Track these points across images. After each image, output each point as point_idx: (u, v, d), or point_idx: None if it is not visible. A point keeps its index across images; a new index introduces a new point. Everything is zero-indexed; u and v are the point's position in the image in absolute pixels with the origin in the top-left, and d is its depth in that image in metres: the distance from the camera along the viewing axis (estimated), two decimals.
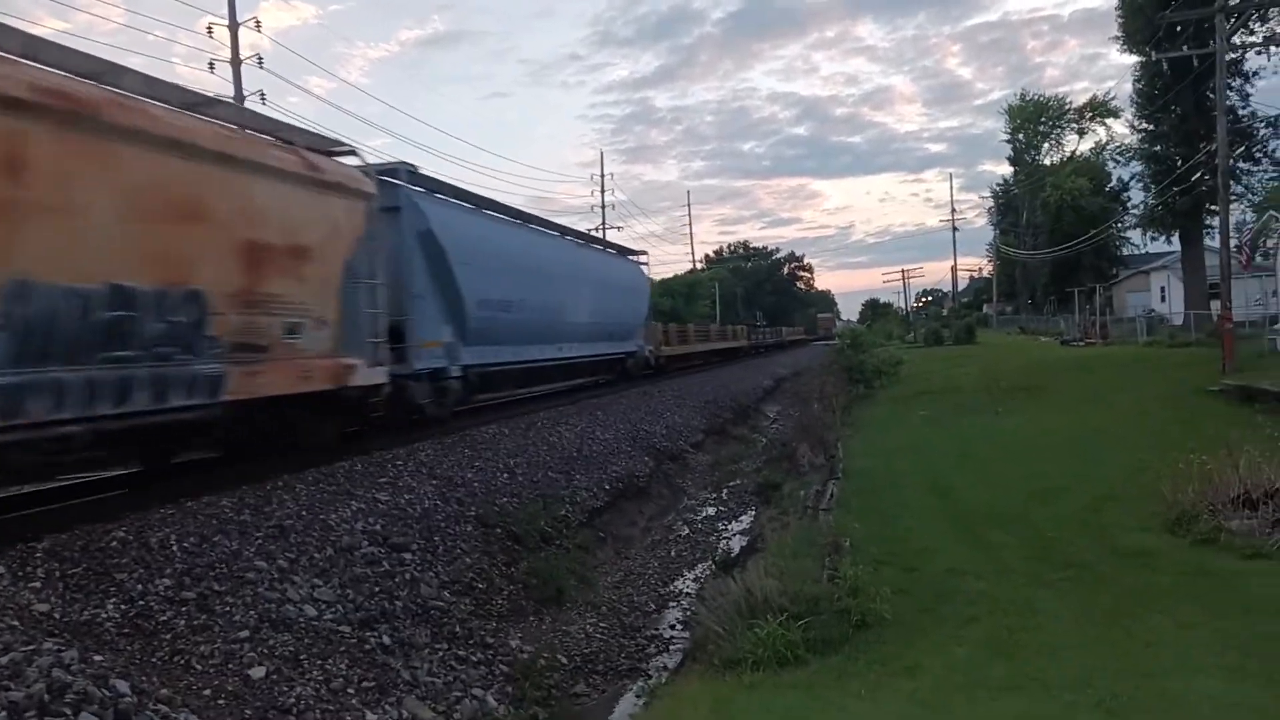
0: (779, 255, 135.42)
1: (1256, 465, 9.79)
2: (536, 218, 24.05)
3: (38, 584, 7.18)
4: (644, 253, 33.71)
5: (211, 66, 30.68)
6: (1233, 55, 32.64)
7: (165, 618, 7.22)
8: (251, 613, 7.70)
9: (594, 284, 25.17)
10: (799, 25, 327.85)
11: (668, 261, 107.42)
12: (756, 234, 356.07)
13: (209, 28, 30.76)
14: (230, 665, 6.95)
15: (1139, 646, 6.59)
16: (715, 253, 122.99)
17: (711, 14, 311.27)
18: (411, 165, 16.17)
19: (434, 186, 17.53)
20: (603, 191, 66.36)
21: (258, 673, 6.97)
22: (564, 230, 25.88)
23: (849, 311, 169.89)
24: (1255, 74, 37.69)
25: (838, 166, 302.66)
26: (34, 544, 7.89)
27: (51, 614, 6.77)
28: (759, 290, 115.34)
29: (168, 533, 8.63)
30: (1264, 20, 35.22)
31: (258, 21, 33.29)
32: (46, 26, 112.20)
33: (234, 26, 30.64)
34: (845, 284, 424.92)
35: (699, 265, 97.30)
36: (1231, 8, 27.88)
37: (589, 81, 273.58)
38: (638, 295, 30.78)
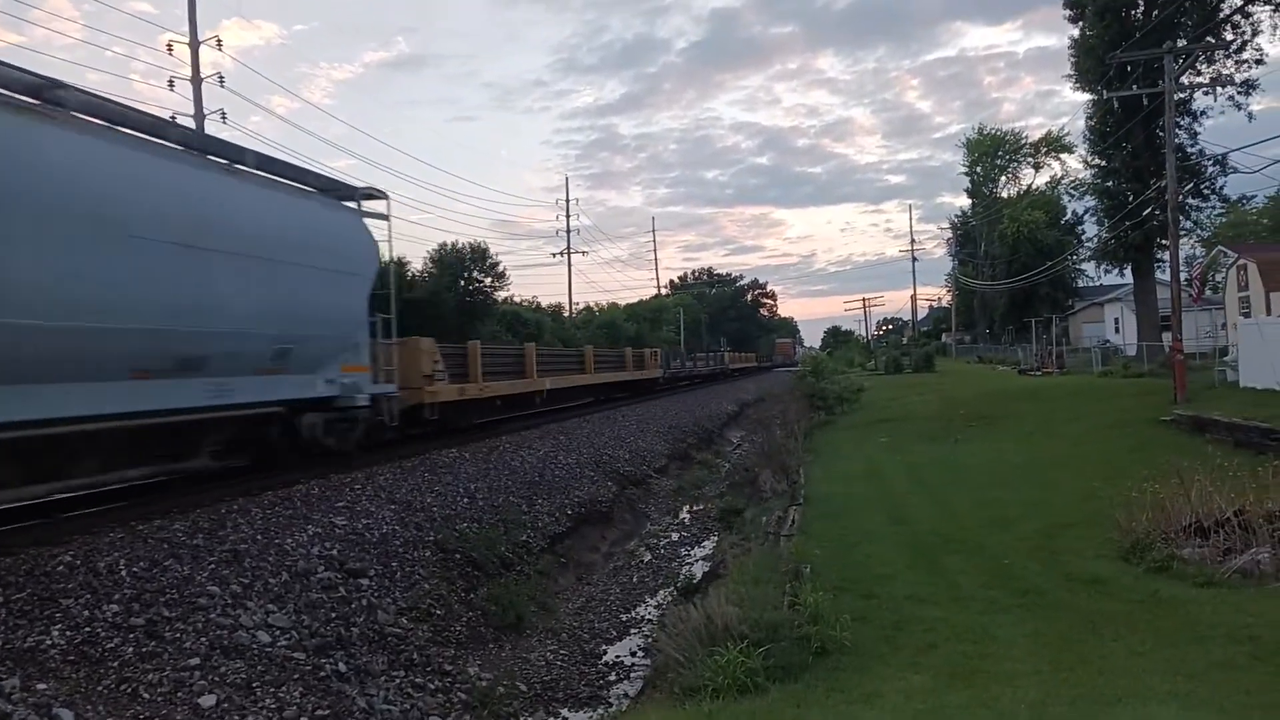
0: (742, 282, 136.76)
1: (1208, 495, 9.98)
2: None
3: None
4: (378, 194, 16.35)
5: (171, 84, 30.47)
6: (1181, 95, 33.63)
7: (112, 645, 7.04)
8: (203, 639, 7.54)
9: (116, 232, 9.85)
10: (761, 56, 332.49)
11: (632, 287, 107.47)
12: (720, 261, 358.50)
13: (169, 45, 30.58)
14: (180, 694, 6.79)
15: (1093, 673, 6.66)
16: (680, 279, 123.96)
17: (675, 43, 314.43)
18: None
19: None
20: (568, 216, 66.51)
21: (208, 701, 6.81)
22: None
23: (811, 338, 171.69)
24: (1203, 113, 38.95)
25: (800, 196, 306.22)
26: None
27: None
28: (723, 316, 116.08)
29: (117, 557, 8.44)
30: (1210, 62, 36.44)
31: (219, 40, 32.94)
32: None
33: (195, 44, 30.44)
34: (807, 311, 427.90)
35: (664, 291, 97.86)
36: (1180, 49, 28.84)
37: (553, 107, 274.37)
38: (343, 277, 14.17)
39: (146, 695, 6.63)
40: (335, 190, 15.38)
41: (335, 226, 14.61)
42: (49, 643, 6.81)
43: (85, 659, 6.78)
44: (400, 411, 16.28)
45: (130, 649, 7.07)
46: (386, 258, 17.29)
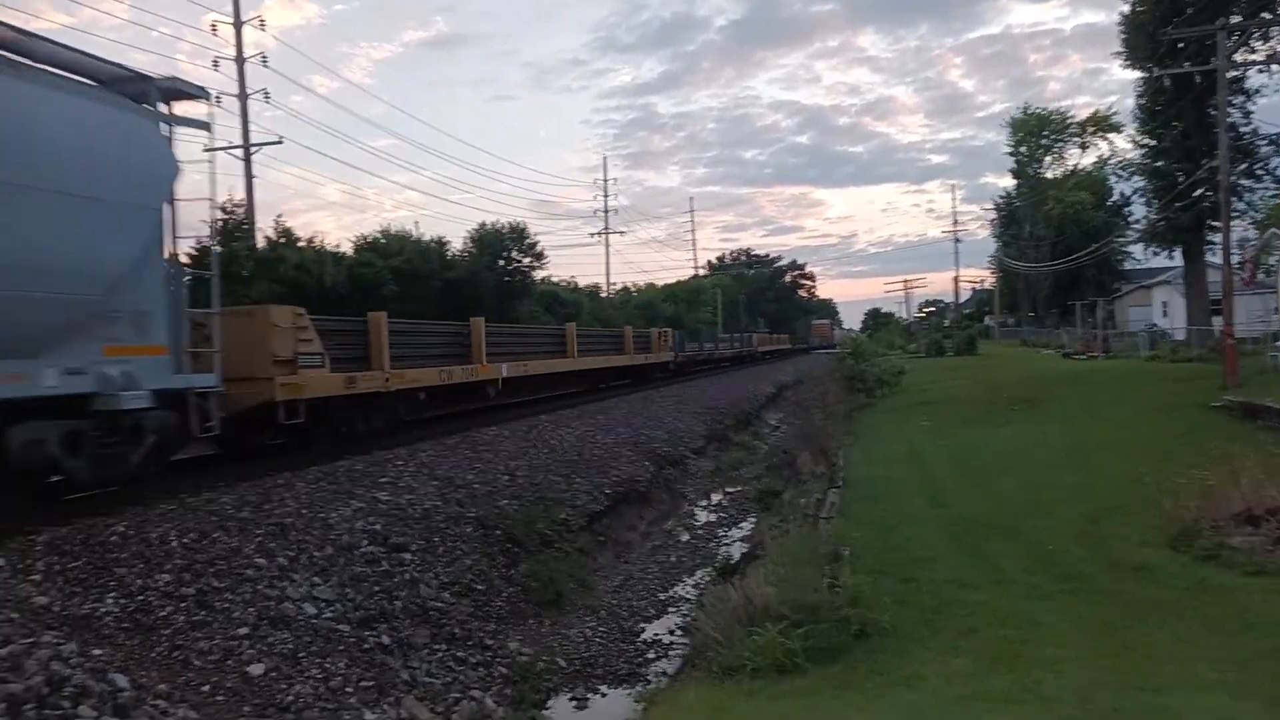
0: (781, 263, 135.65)
1: (1259, 482, 9.77)
2: None
3: (37, 577, 7.19)
4: (192, 91, 10.82)
5: (216, 64, 30.80)
6: (1234, 73, 32.66)
7: (164, 613, 7.22)
8: (251, 610, 7.70)
9: None
10: (801, 34, 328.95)
11: (670, 267, 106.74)
12: (759, 241, 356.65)
13: (213, 25, 30.91)
14: (229, 662, 6.95)
15: (1139, 661, 6.57)
16: (718, 259, 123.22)
17: (715, 21, 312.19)
18: None
19: None
20: (605, 196, 66.37)
21: (256, 670, 6.97)
22: None
23: (851, 320, 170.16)
24: (1257, 91, 37.64)
25: (840, 176, 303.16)
26: (33, 537, 7.90)
27: (51, 607, 6.77)
28: (761, 297, 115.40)
29: (167, 528, 8.63)
30: (1265, 39, 35.31)
31: (262, 20, 33.49)
32: (49, 21, 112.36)
33: (238, 24, 30.75)
34: (847, 293, 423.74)
35: (702, 272, 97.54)
36: (1233, 26, 27.99)
37: (592, 86, 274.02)
38: (101, 206, 9.09)
39: (198, 663, 6.79)
40: (114, 81, 10.05)
41: (89, 127, 9.19)
42: (104, 610, 7.00)
43: (139, 626, 6.96)
44: (235, 414, 11.46)
45: (181, 617, 7.24)
46: (209, 190, 11.46)
